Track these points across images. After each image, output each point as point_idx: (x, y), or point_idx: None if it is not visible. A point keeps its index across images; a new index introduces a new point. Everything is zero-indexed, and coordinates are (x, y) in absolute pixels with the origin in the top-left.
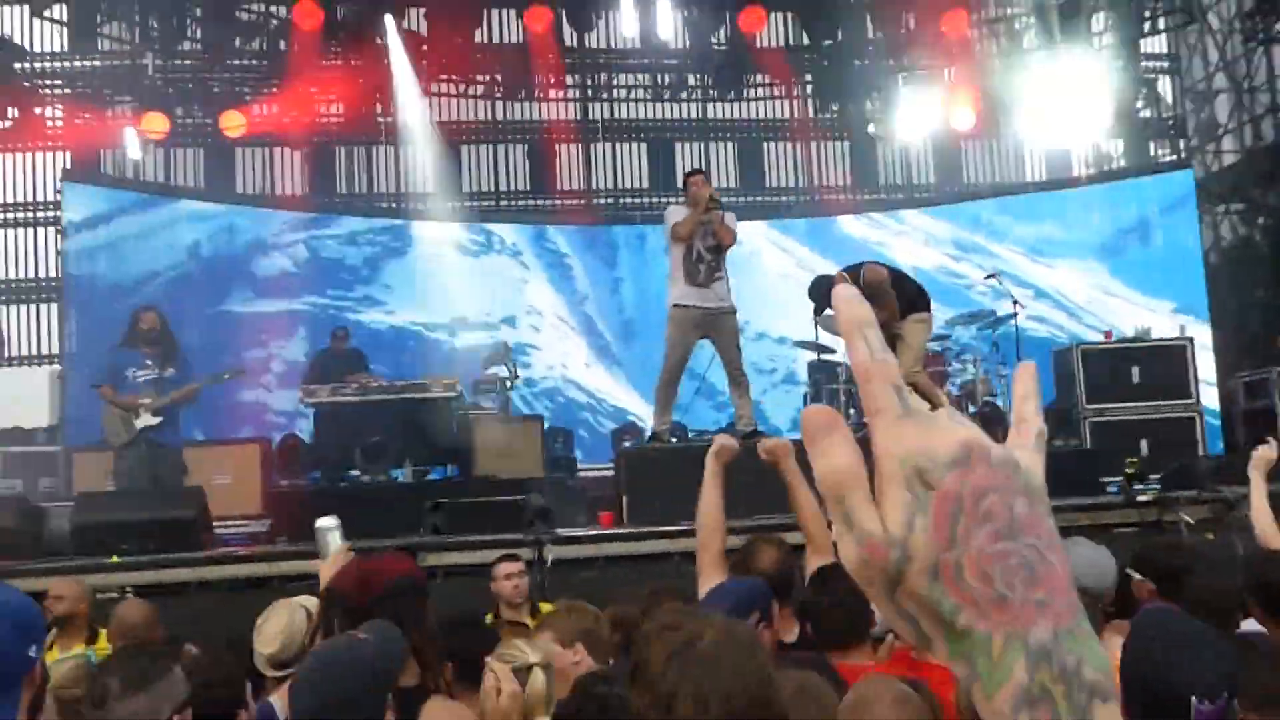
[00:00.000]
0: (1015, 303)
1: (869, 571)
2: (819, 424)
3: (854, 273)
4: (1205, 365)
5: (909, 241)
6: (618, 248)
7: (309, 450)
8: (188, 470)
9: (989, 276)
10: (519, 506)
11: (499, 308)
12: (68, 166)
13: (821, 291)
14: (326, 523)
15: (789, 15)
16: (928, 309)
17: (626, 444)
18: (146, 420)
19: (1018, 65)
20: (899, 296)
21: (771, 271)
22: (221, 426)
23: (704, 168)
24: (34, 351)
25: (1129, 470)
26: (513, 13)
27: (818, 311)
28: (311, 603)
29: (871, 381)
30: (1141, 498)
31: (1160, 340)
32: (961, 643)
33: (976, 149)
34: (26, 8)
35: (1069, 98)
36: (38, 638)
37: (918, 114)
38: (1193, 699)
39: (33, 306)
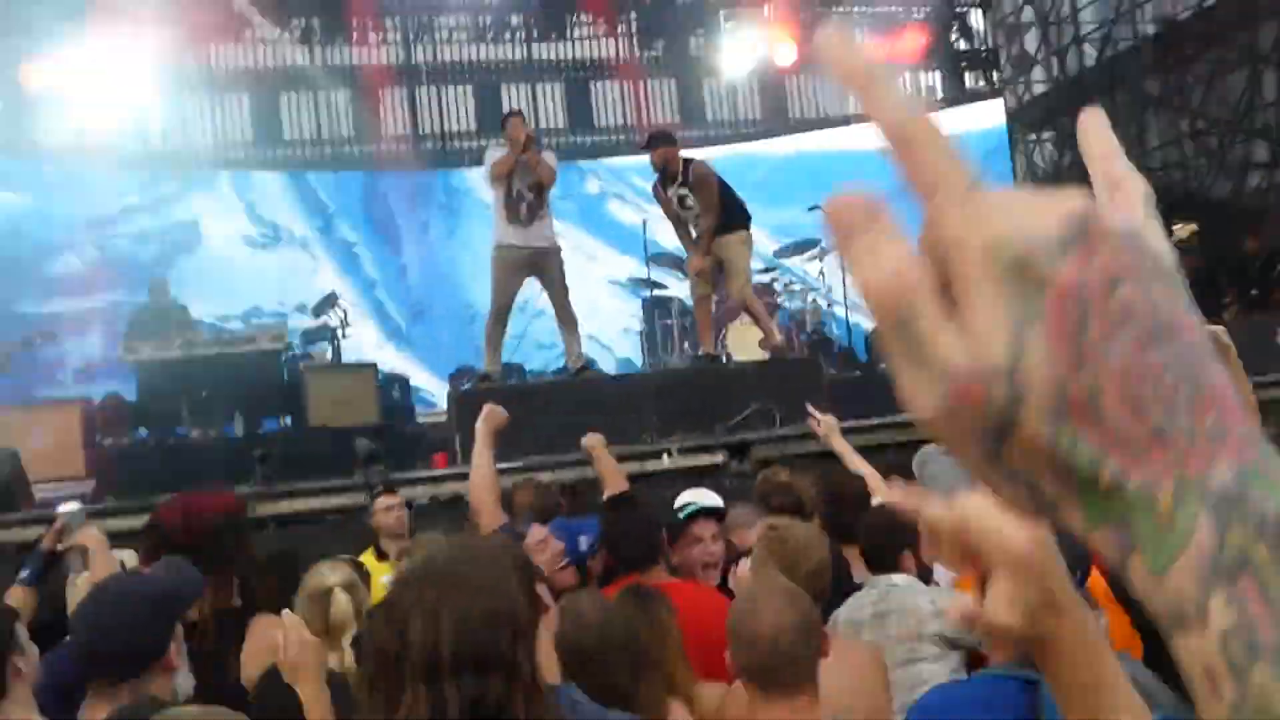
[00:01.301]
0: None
1: (958, 422)
2: (854, 217)
3: (662, 139)
4: None
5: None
6: (401, 225)
7: (133, 409)
8: None
9: (812, 208)
10: (349, 452)
11: (291, 297)
12: None
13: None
14: (69, 507)
15: None
16: (748, 226)
17: (463, 387)
18: None
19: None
20: (722, 208)
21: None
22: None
23: (531, 109)
24: None
25: None
26: None
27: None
28: (130, 556)
29: (914, 144)
30: None
31: None
32: (1109, 503)
33: (800, 83)
34: None
35: (885, 32)
36: None
37: (741, 50)
38: None
39: None
